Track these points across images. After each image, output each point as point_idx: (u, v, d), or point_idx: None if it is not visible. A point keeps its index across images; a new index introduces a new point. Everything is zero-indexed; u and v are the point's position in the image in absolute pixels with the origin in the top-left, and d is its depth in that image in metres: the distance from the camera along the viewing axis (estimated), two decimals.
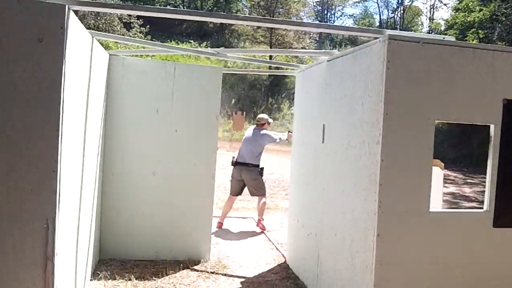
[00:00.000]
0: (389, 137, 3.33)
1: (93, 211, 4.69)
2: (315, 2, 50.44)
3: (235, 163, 7.45)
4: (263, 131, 7.53)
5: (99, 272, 4.73)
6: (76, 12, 3.18)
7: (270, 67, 26.67)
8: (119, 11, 4.36)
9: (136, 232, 5.40)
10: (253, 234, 7.10)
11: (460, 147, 21.62)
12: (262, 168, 7.51)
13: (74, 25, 3.20)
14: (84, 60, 3.73)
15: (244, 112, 24.40)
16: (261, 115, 7.86)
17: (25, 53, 2.91)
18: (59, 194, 3.04)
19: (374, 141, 3.41)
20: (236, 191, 7.55)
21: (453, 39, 3.68)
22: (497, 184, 3.53)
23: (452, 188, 13.66)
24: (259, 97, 32.05)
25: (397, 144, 3.35)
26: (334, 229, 4.16)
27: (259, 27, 41.75)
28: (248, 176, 7.39)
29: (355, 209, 3.72)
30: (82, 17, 30.01)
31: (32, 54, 2.92)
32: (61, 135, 3.01)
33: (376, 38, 3.51)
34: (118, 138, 5.28)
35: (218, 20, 3.81)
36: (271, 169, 15.40)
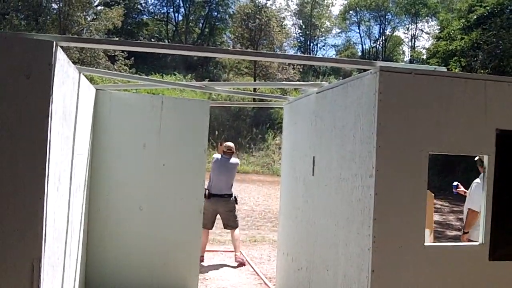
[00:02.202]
0: (383, 170, 3.29)
1: (79, 249, 4.53)
2: (298, 33, 51.29)
3: (210, 195, 7.20)
4: (235, 160, 7.47)
5: None
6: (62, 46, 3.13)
7: (254, 99, 26.84)
8: (106, 47, 4.35)
9: (123, 268, 5.24)
10: (239, 268, 6.94)
11: (444, 175, 21.75)
12: (236, 197, 7.41)
13: (61, 61, 3.14)
14: (72, 96, 3.66)
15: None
16: (230, 143, 7.66)
17: (12, 90, 2.83)
18: (45, 234, 2.92)
19: (367, 174, 3.37)
20: (210, 225, 7.34)
21: (444, 69, 3.69)
22: (492, 216, 3.49)
23: (437, 217, 13.64)
24: (244, 127, 32.08)
25: (391, 177, 3.31)
26: (326, 263, 4.07)
27: (243, 59, 42.27)
28: (226, 207, 7.27)
29: (348, 244, 3.64)
30: (66, 50, 30.04)
31: (19, 91, 2.84)
32: (47, 175, 2.91)
33: (366, 70, 3.51)
34: (104, 173, 5.18)
35: (206, 54, 3.78)
36: (257, 200, 15.29)
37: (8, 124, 2.83)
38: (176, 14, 52.73)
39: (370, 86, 3.40)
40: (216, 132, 30.50)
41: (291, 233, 5.15)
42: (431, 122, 3.39)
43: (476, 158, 5.17)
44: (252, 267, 6.94)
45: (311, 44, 50.84)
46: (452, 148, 3.45)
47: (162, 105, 5.36)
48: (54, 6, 32.16)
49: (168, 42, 49.93)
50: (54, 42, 2.89)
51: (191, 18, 50.58)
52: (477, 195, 4.69)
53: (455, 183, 6.38)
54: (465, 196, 5.73)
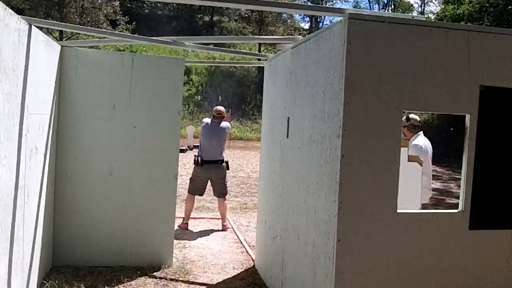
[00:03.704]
0: (351, 129, 2.96)
1: (40, 215, 4.29)
2: None
3: (202, 162, 6.93)
4: (226, 124, 7.15)
5: (45, 282, 4.32)
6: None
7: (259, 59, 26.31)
8: None
9: (93, 236, 5.00)
10: (224, 236, 6.71)
11: (449, 142, 21.34)
12: (227, 162, 7.12)
13: None
14: (15, 49, 3.32)
15: (230, 110, 24.07)
16: (220, 107, 7.31)
17: None
18: None
19: (335, 134, 3.04)
20: (201, 191, 7.13)
21: (423, 18, 3.30)
22: (473, 181, 3.17)
23: (438, 184, 13.33)
24: (248, 94, 31.64)
25: (360, 137, 2.98)
26: (297, 231, 3.79)
27: (248, 24, 41.44)
28: (218, 174, 6.98)
29: (316, 210, 3.35)
30: (66, 15, 29.50)
31: None
32: None
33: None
34: (71, 135, 4.89)
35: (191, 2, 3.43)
36: (254, 167, 15.02)
37: None
38: None
39: (339, 36, 3.04)
40: (220, 98, 30.15)
41: (269, 199, 4.86)
42: (407, 77, 3.03)
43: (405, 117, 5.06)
44: (237, 235, 6.70)
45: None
46: (429, 106, 3.10)
47: (133, 63, 5.01)
48: None
49: (173, 5, 49.01)
50: None
51: None
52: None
53: None
54: None
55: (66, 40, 24.82)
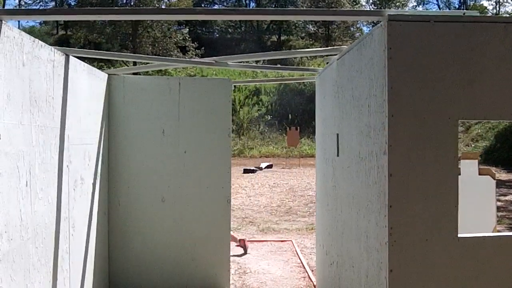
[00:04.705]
0: (398, 145, 2.61)
1: (90, 245, 4.25)
2: (372, 9, 49.05)
3: None
4: None
5: None
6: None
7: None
8: (57, 17, 3.93)
9: (147, 263, 4.93)
10: (287, 259, 6.41)
11: None
12: None
13: (16, 39, 2.77)
14: (49, 80, 3.31)
15: (299, 128, 23.86)
16: None
17: None
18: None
19: (381, 151, 2.70)
20: None
21: (475, 13, 2.88)
22: None
23: (510, 196, 12.15)
24: None
25: (409, 153, 2.62)
26: (351, 259, 3.44)
27: (316, 40, 41.16)
28: None
29: (368, 236, 3.00)
30: (139, 45, 30.86)
31: None
32: None
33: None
34: (122, 163, 4.87)
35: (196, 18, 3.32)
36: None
37: None
38: (248, 1, 52.67)
39: (380, 41, 2.72)
40: (290, 116, 29.98)
41: (324, 223, 4.53)
42: (460, 81, 2.64)
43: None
44: (300, 259, 6.38)
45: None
46: (489, 113, 2.67)
47: (179, 87, 4.94)
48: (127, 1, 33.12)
49: (241, 28, 49.96)
50: None
51: (262, 2, 50.24)
52: None
53: None
54: None
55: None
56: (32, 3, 46.96)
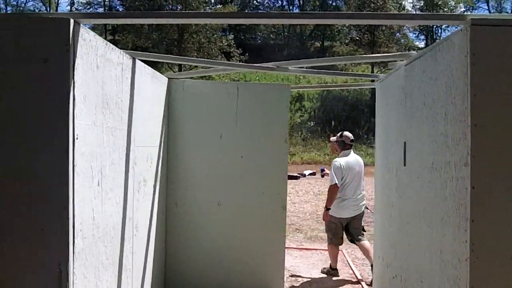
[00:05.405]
0: (482, 156, 2.49)
1: (150, 245, 4.29)
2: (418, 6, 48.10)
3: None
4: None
5: None
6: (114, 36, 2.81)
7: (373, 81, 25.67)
8: (128, 21, 4.01)
9: (201, 265, 4.95)
10: (339, 269, 6.28)
11: None
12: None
13: (91, 42, 2.82)
14: (118, 83, 3.36)
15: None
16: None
17: (28, 76, 2.57)
18: (74, 235, 2.62)
19: (462, 162, 2.59)
20: None
21: None
22: None
23: None
24: (361, 117, 30.81)
25: (494, 165, 2.49)
26: (420, 274, 3.32)
27: (360, 46, 40.67)
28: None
29: (443, 251, 2.88)
30: (184, 50, 31.33)
31: (37, 77, 2.56)
32: (73, 169, 2.60)
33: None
34: (180, 166, 4.91)
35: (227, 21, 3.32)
36: (370, 194, 14.33)
37: (28, 113, 2.57)
38: (292, 7, 52.76)
39: (461, 47, 2.61)
40: (333, 123, 29.74)
41: (386, 234, 4.41)
42: None
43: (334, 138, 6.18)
44: (352, 270, 6.25)
45: (434, 26, 47.22)
46: None
47: (238, 92, 4.93)
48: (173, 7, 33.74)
49: (284, 34, 50.05)
50: (72, 20, 2.57)
51: (306, 8, 50.18)
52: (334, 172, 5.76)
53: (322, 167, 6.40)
54: None
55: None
56: (83, 9, 48.60)
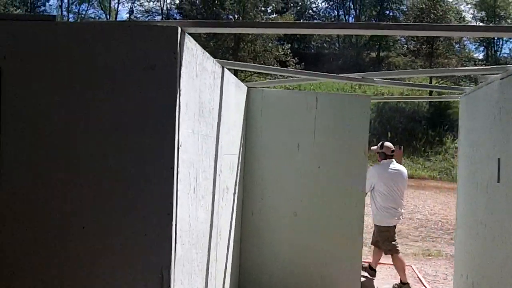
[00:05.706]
0: None
1: (229, 253, 4.33)
2: (480, 26, 46.45)
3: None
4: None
5: None
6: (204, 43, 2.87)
7: (430, 93, 25.07)
8: (228, 30, 4.09)
9: (276, 275, 4.93)
10: (411, 285, 6.10)
11: None
12: None
13: (193, 51, 2.89)
14: (212, 92, 3.42)
15: (402, 146, 22.93)
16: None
17: (136, 83, 2.64)
18: (176, 240, 2.67)
19: None
20: None
21: None
22: None
23: None
24: (419, 130, 30.01)
25: None
26: None
27: (417, 57, 39.69)
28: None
29: None
30: (240, 58, 31.64)
31: (144, 84, 2.63)
32: (177, 175, 2.65)
33: None
34: (257, 175, 4.93)
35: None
36: (432, 209, 13.93)
37: (134, 120, 2.64)
38: (347, 16, 52.35)
39: None
40: (389, 134, 29.11)
41: (471, 252, 4.25)
42: None
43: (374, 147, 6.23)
44: (425, 286, 6.05)
45: (495, 37, 45.43)
46: None
47: (317, 102, 4.91)
48: (230, 16, 34.22)
49: (339, 44, 49.74)
50: (179, 28, 2.63)
51: (362, 18, 49.63)
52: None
53: None
54: None
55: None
56: (141, 17, 50.11)
